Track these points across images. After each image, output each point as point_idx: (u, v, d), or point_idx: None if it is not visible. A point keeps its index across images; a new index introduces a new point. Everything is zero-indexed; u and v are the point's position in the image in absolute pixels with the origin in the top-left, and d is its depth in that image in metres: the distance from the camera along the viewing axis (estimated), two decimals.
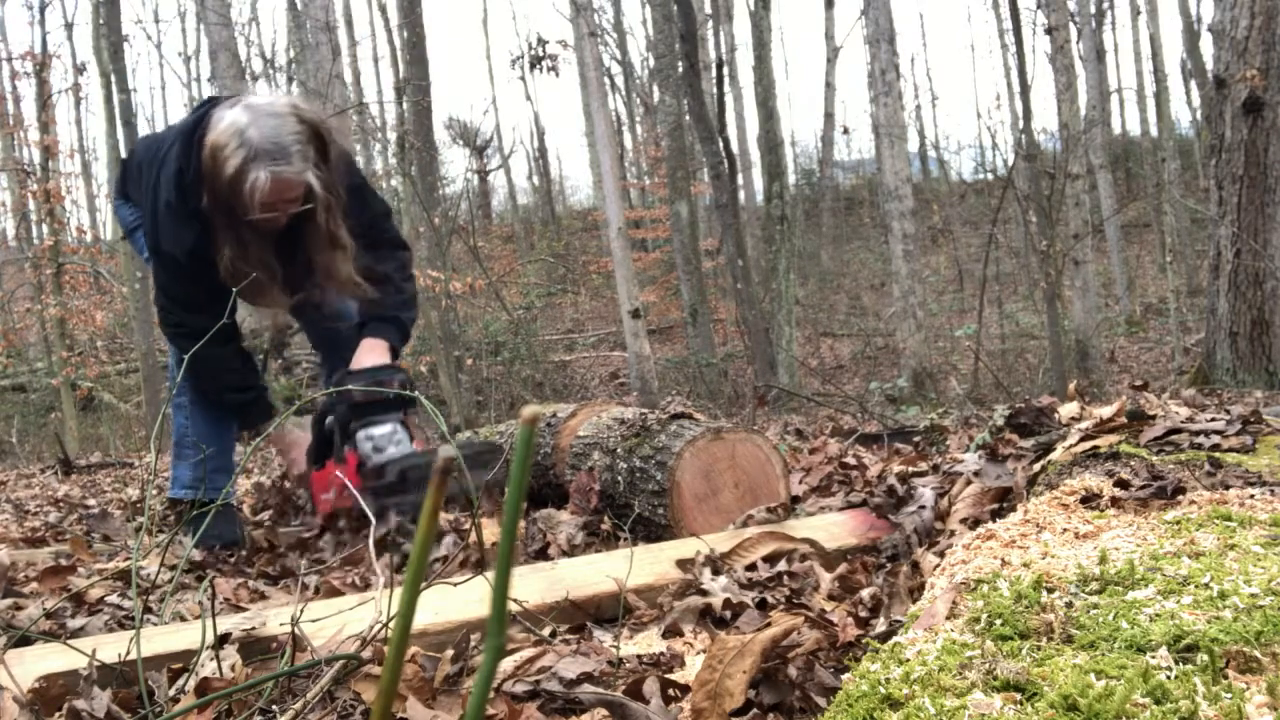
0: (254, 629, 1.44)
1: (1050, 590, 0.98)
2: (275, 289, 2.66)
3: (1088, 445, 1.75)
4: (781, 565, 1.75)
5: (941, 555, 1.48)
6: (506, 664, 1.33)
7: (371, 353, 2.70)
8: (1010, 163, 13.02)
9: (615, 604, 1.61)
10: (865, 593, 1.54)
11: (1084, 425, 1.87)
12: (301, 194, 2.48)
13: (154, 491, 3.08)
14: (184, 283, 2.58)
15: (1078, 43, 14.62)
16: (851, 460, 2.99)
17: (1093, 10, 16.78)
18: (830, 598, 1.61)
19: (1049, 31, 11.77)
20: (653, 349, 10.15)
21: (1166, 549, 1.06)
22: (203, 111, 2.54)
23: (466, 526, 2.42)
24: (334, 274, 2.63)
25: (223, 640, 1.38)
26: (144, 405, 10.39)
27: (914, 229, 11.17)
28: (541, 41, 13.76)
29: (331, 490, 2.67)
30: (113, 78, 9.32)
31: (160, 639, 1.45)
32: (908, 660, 0.87)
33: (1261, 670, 0.77)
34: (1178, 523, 1.18)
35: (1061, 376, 8.83)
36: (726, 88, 18.20)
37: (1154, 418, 1.80)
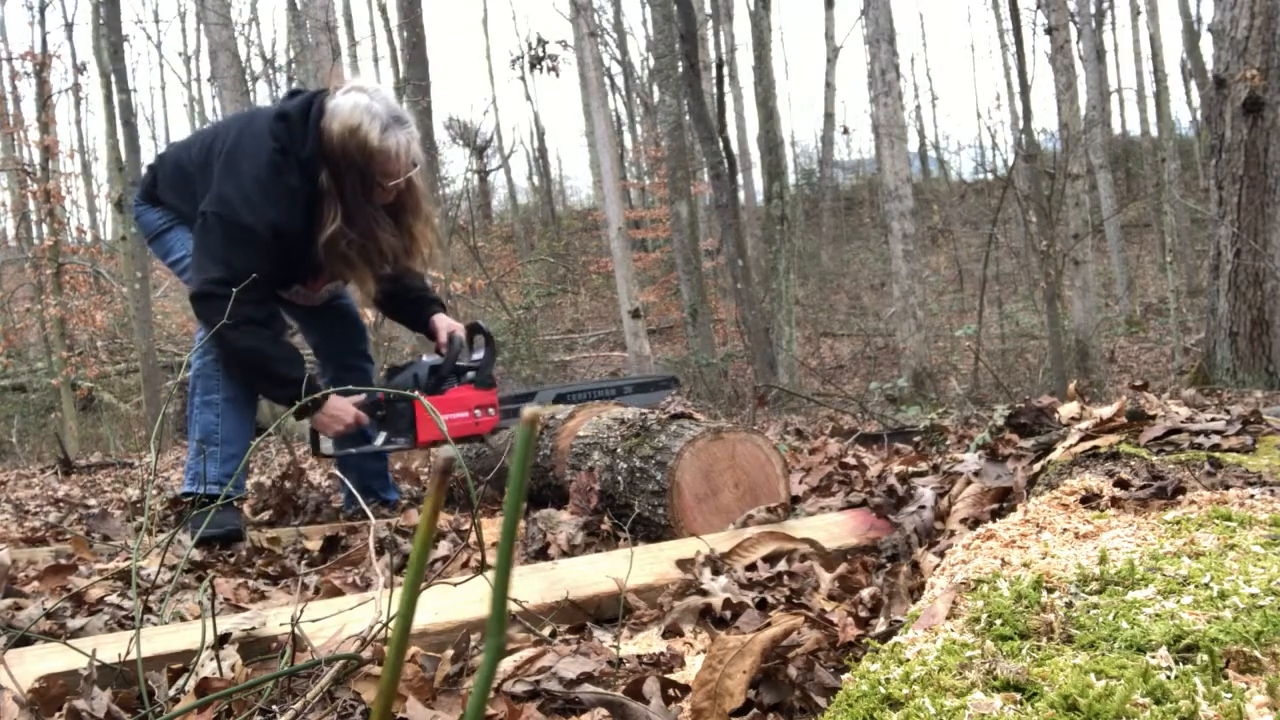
0: (254, 629, 1.44)
1: (1050, 590, 0.98)
2: (383, 264, 2.77)
3: (1088, 445, 1.75)
4: (781, 565, 1.75)
5: (941, 555, 1.48)
6: (506, 664, 1.33)
7: (450, 324, 3.05)
8: (1010, 163, 13.02)
9: (615, 604, 1.61)
10: (865, 593, 1.54)
11: (1084, 425, 1.87)
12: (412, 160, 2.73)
13: (154, 491, 3.08)
14: (252, 255, 2.59)
15: (1078, 43, 14.62)
16: (851, 460, 2.99)
17: (1093, 10, 16.79)
18: (830, 598, 1.61)
19: (1049, 31, 11.77)
20: (653, 349, 10.15)
21: (1166, 549, 1.06)
22: (305, 98, 2.70)
23: (466, 527, 2.42)
24: (423, 243, 2.85)
25: (223, 640, 1.38)
26: (144, 405, 10.38)
27: (914, 229, 11.17)
28: (541, 41, 13.76)
29: (445, 416, 2.91)
30: (113, 78, 9.32)
31: (160, 639, 1.45)
32: (908, 660, 0.87)
33: (1261, 670, 0.77)
34: (1178, 523, 1.18)
35: (1061, 376, 8.84)
36: (726, 88, 18.22)
37: (1154, 418, 1.80)
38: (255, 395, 2.87)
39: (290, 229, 2.64)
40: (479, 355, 3.07)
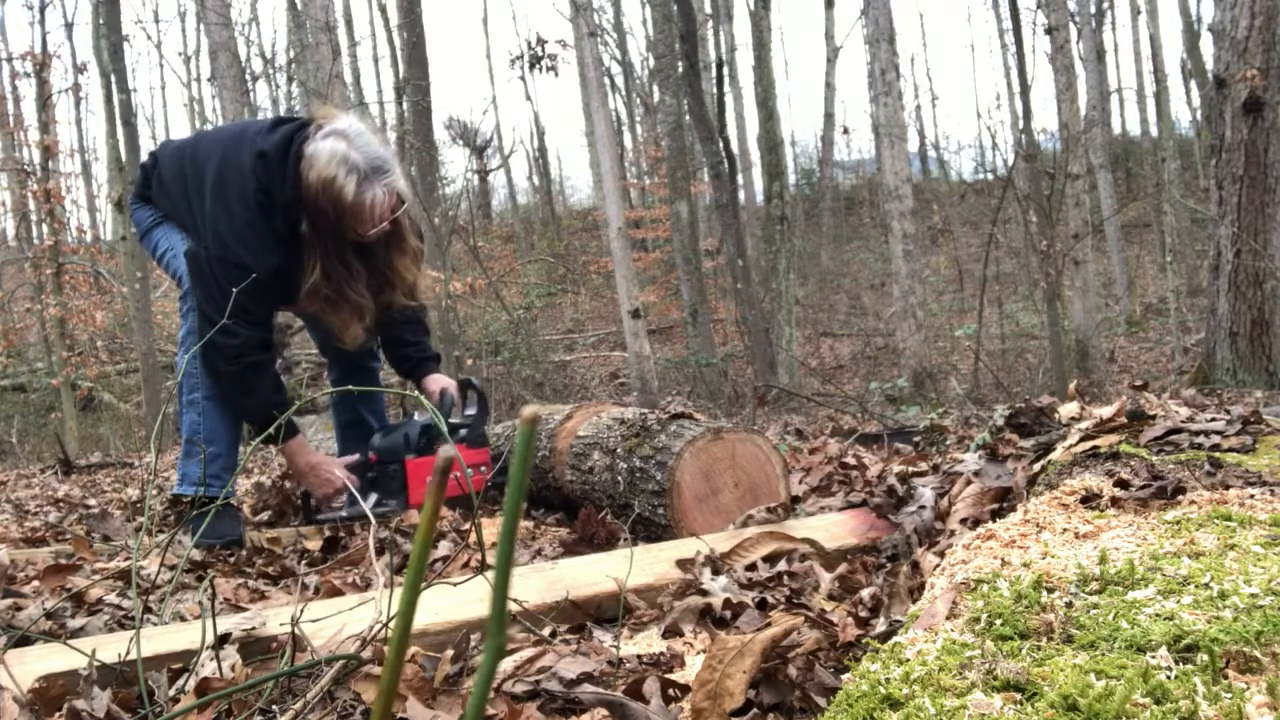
0: (254, 629, 1.44)
1: (1050, 590, 0.98)
2: (362, 315, 2.74)
3: (1088, 445, 1.75)
4: (781, 565, 1.75)
5: (941, 555, 1.48)
6: (506, 664, 1.33)
7: (443, 382, 3.03)
8: (1010, 163, 13.02)
9: (615, 604, 1.61)
10: (865, 593, 1.54)
11: (1084, 425, 1.87)
12: (395, 201, 2.65)
13: (154, 491, 3.08)
14: (260, 299, 2.57)
15: (1078, 43, 14.61)
16: (851, 460, 2.99)
17: (1093, 10, 16.78)
18: (830, 598, 1.61)
19: (1049, 31, 11.77)
20: (653, 349, 10.15)
21: (1166, 549, 1.06)
22: (285, 134, 2.62)
23: (466, 527, 2.42)
24: (408, 279, 2.81)
25: (223, 640, 1.38)
26: (144, 405, 10.39)
27: (914, 229, 11.18)
28: (541, 41, 13.74)
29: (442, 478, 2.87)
30: (113, 78, 9.31)
31: (160, 639, 1.45)
32: (908, 660, 0.87)
33: (1261, 670, 0.77)
34: (1178, 523, 1.18)
35: (1061, 376, 8.84)
36: (726, 88, 18.21)
37: (1154, 418, 1.80)
38: None
39: (281, 269, 2.64)
40: (471, 412, 3.05)
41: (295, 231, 2.63)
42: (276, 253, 2.62)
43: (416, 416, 3.02)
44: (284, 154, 2.58)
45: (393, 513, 2.89)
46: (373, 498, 2.93)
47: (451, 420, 2.97)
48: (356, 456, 2.97)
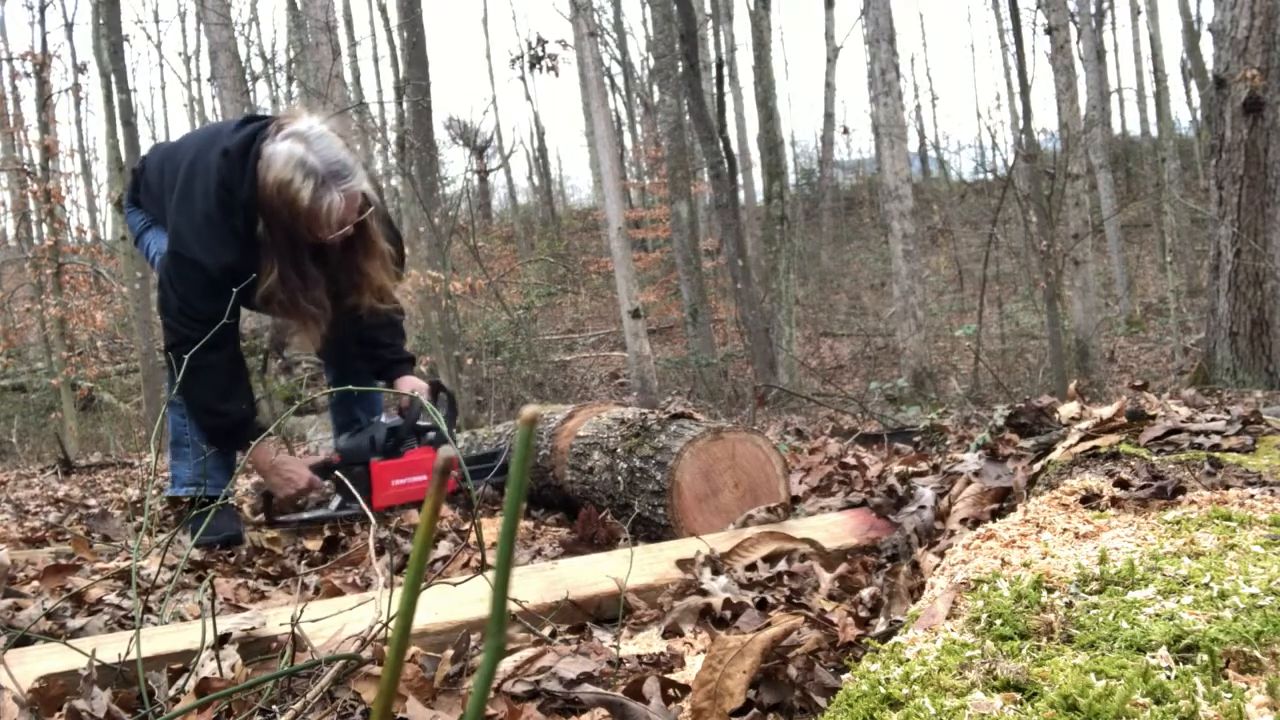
0: (254, 629, 1.44)
1: (1050, 590, 0.98)
2: (318, 322, 2.69)
3: (1088, 445, 1.75)
4: (781, 565, 1.75)
5: (941, 555, 1.48)
6: (506, 664, 1.33)
7: (414, 384, 2.99)
8: (1010, 163, 13.02)
9: (615, 604, 1.61)
10: (865, 593, 1.54)
11: (1084, 425, 1.87)
12: (361, 203, 2.59)
13: (154, 491, 3.08)
14: (210, 297, 2.50)
15: (1078, 43, 14.61)
16: (851, 460, 2.99)
17: (1093, 10, 16.78)
18: (830, 598, 1.61)
19: (1049, 31, 11.77)
20: (653, 349, 10.16)
21: (1166, 549, 1.06)
22: (249, 132, 2.56)
23: (466, 527, 2.42)
24: (376, 282, 2.74)
25: (223, 640, 1.38)
26: (144, 405, 10.39)
27: (914, 229, 11.18)
28: (541, 41, 13.73)
29: (403, 480, 2.87)
30: (113, 78, 9.31)
31: (160, 639, 1.45)
32: (908, 660, 0.87)
33: (1261, 670, 0.77)
34: (1178, 523, 1.18)
35: (1061, 376, 8.84)
36: (726, 88, 18.21)
37: (1154, 418, 1.80)
38: None
39: (240, 269, 2.55)
40: (441, 413, 3.01)
41: (254, 231, 2.57)
42: (234, 249, 2.55)
43: (383, 418, 2.99)
44: (245, 152, 2.52)
45: (354, 515, 2.85)
46: (336, 500, 2.89)
47: (420, 423, 2.93)
48: (321, 457, 2.94)
